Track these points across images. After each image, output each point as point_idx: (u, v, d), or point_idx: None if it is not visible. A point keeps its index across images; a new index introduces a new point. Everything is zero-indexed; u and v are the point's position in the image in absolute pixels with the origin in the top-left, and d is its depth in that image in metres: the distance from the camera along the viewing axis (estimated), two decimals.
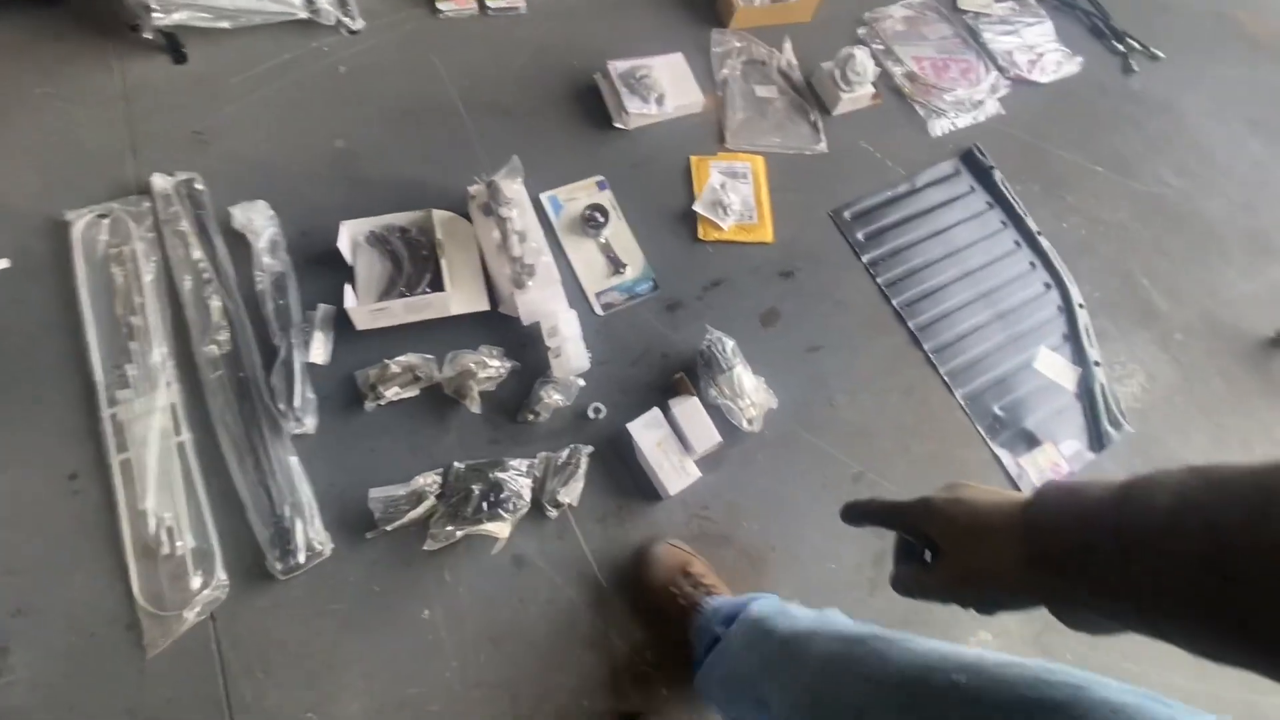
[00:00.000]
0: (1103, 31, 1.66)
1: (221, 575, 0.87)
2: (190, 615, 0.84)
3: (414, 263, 1.03)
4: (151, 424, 0.92)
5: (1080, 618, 0.35)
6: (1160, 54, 1.63)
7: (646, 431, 0.99)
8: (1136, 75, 1.60)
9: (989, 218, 1.32)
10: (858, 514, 0.48)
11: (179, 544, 0.87)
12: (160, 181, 1.06)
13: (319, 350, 0.99)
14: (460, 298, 1.02)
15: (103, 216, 1.03)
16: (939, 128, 1.40)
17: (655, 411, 1.00)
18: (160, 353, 0.96)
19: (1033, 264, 1.29)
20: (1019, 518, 0.37)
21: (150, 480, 0.89)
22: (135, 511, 0.88)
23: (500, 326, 1.06)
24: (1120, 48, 1.63)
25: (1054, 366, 1.20)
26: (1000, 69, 1.52)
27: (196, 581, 0.86)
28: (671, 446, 0.98)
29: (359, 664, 0.86)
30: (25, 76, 1.14)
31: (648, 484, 1.00)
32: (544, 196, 1.18)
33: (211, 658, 0.84)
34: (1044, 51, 1.58)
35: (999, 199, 1.34)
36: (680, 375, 1.04)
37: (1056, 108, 1.51)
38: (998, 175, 1.35)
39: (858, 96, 1.34)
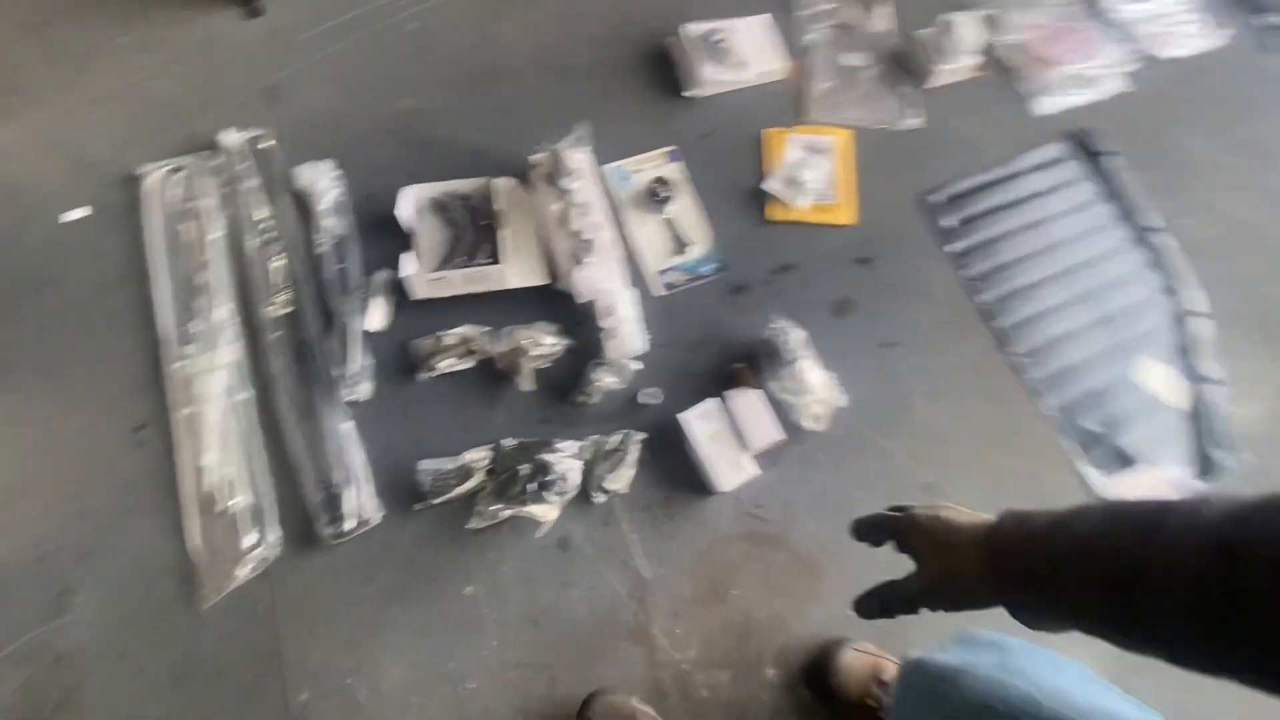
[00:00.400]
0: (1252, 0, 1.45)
1: (274, 535, 0.88)
2: (243, 572, 0.86)
3: (473, 232, 1.00)
4: (214, 381, 0.93)
5: (1030, 618, 0.42)
6: None
7: (700, 423, 0.94)
8: None
9: (1097, 210, 1.19)
10: (857, 526, 0.56)
11: (235, 500, 0.88)
12: (230, 138, 1.06)
13: (376, 317, 0.98)
14: (517, 271, 0.98)
15: (175, 171, 1.04)
16: (1046, 105, 1.26)
17: (712, 402, 0.95)
18: (224, 310, 0.97)
19: (1145, 265, 1.15)
20: (983, 538, 0.44)
21: (211, 436, 0.91)
22: (196, 465, 0.90)
23: (556, 302, 1.02)
24: (1274, 20, 1.42)
25: (1160, 380, 1.08)
26: (1124, 41, 1.35)
27: (250, 539, 0.87)
28: (727, 440, 0.93)
29: (400, 634, 0.86)
30: (108, 25, 1.16)
31: (699, 477, 0.96)
32: (609, 167, 1.12)
33: (261, 615, 0.86)
34: (1178, 22, 1.40)
35: (1111, 189, 1.20)
36: (741, 365, 0.98)
37: (1187, 87, 1.33)
38: (1111, 162, 1.20)
39: (957, 68, 1.21)
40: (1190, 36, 1.38)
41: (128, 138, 1.07)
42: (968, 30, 1.17)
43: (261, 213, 1.02)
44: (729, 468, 0.92)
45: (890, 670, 0.82)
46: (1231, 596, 0.30)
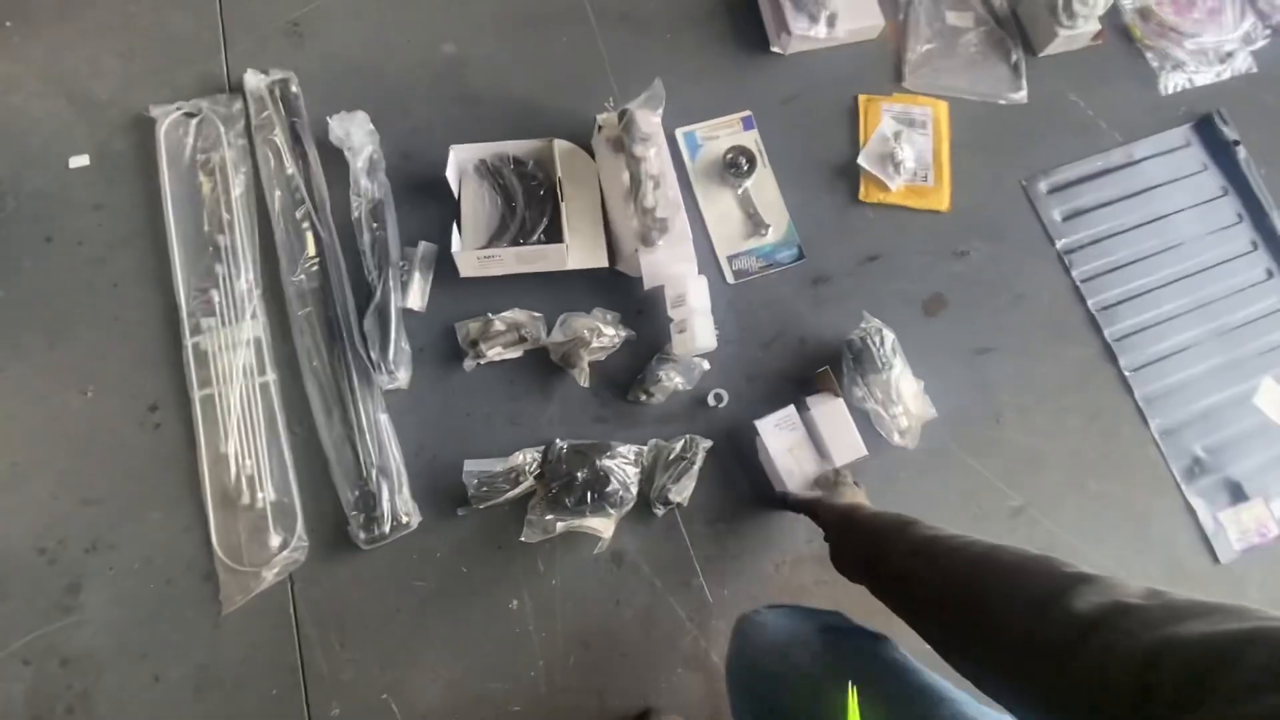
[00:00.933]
0: None
1: (302, 535, 0.80)
2: (269, 575, 0.78)
3: (529, 203, 0.88)
4: (236, 359, 0.83)
5: (838, 564, 0.63)
6: None
7: (778, 433, 0.84)
8: None
9: (1221, 206, 1.05)
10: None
11: (260, 495, 0.80)
12: (253, 79, 0.93)
13: (416, 295, 0.87)
14: (580, 251, 0.87)
15: (190, 115, 0.92)
16: (1171, 83, 1.11)
17: (790, 410, 0.85)
18: (247, 279, 0.86)
19: (1270, 272, 1.03)
20: (849, 509, 0.66)
21: (232, 421, 0.82)
22: (216, 454, 0.81)
23: (614, 286, 0.91)
24: None
25: (1278, 404, 0.97)
26: (1259, 13, 1.18)
27: (276, 540, 0.79)
28: (805, 454, 0.83)
29: (440, 648, 0.79)
30: None
31: (770, 490, 0.87)
32: (680, 132, 0.99)
33: (288, 623, 0.78)
34: None
35: (1237, 183, 1.06)
36: (826, 369, 0.87)
37: None
38: (1241, 153, 1.06)
39: (1077, 34, 1.06)
40: None
41: (136, 75, 0.94)
42: None
43: (288, 169, 0.89)
44: (806, 484, 0.82)
45: None
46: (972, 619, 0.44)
